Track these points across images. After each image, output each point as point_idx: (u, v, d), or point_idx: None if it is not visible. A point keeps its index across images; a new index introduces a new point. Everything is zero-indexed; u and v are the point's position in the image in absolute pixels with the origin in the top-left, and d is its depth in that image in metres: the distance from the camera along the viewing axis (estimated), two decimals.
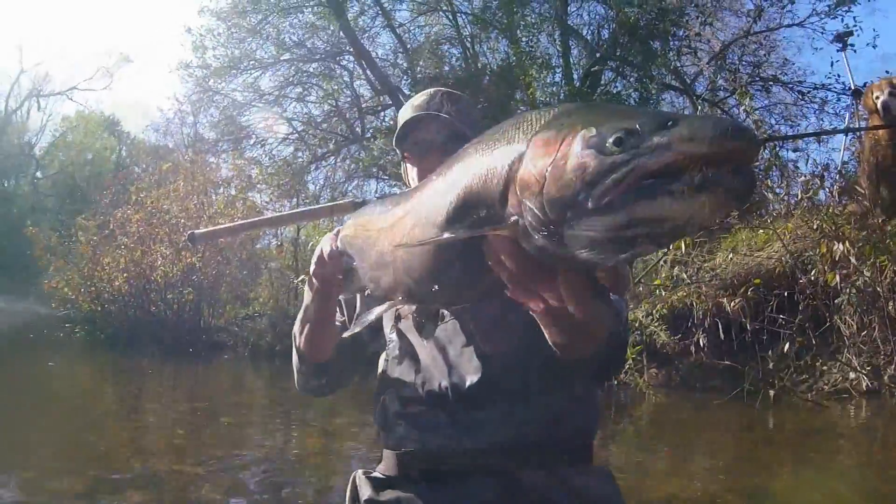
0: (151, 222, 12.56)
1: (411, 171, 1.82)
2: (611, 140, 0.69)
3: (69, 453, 3.41)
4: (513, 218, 0.79)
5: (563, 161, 0.73)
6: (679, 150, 0.66)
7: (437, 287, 1.01)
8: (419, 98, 1.83)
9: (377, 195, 1.81)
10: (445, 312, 1.68)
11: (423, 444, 1.66)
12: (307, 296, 1.69)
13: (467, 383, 1.62)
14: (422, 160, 1.75)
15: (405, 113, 1.81)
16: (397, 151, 1.85)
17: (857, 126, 7.61)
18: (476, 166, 0.88)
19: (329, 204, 1.88)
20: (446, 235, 0.86)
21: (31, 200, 34.28)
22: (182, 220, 12.33)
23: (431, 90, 1.85)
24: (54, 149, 36.93)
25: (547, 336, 1.12)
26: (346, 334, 1.58)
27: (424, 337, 1.66)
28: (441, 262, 0.92)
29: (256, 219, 2.16)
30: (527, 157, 0.78)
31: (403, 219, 1.11)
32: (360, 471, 1.77)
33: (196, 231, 1.89)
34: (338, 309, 1.82)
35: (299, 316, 1.75)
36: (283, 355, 10.37)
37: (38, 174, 36.12)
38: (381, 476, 1.72)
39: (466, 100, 1.91)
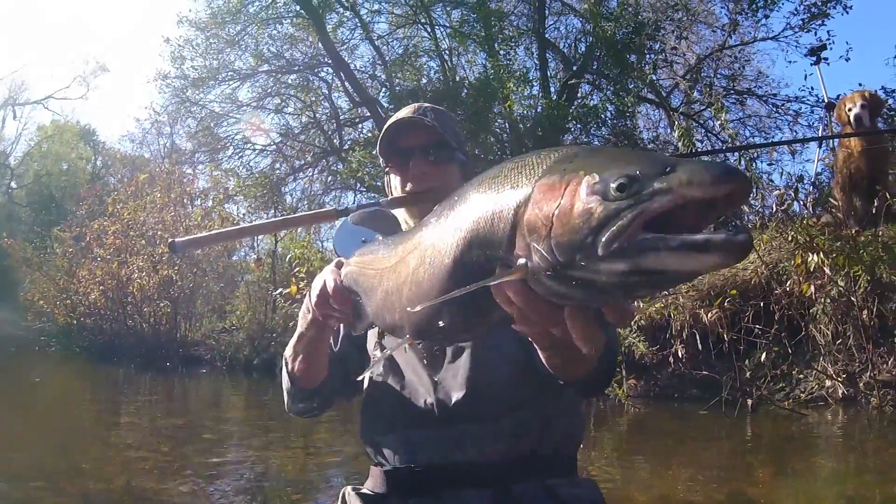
0: (128, 234, 12.46)
1: (394, 180, 1.83)
2: (614, 186, 0.72)
3: (45, 469, 3.36)
4: (521, 261, 0.81)
5: (569, 206, 0.75)
6: (679, 194, 0.69)
7: (443, 324, 1.02)
8: (404, 111, 1.85)
9: (356, 204, 1.79)
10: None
11: (410, 460, 1.66)
12: (302, 323, 1.68)
13: (453, 399, 1.63)
14: (404, 167, 1.78)
15: (389, 123, 1.83)
16: (378, 162, 1.88)
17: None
18: (481, 208, 0.90)
19: (312, 212, 1.93)
20: (461, 289, 0.87)
21: (6, 210, 33.80)
22: (159, 232, 12.25)
23: (416, 104, 1.88)
24: (29, 158, 36.46)
25: (542, 359, 1.16)
26: (360, 377, 1.73)
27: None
28: (449, 301, 0.93)
29: (239, 226, 2.16)
30: (532, 201, 0.80)
31: (407, 259, 1.12)
32: (349, 487, 1.77)
33: (177, 239, 1.89)
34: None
35: (292, 342, 1.74)
36: (260, 369, 10.32)
37: (13, 184, 35.67)
38: (370, 493, 1.72)
39: (449, 113, 1.95)
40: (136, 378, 9.70)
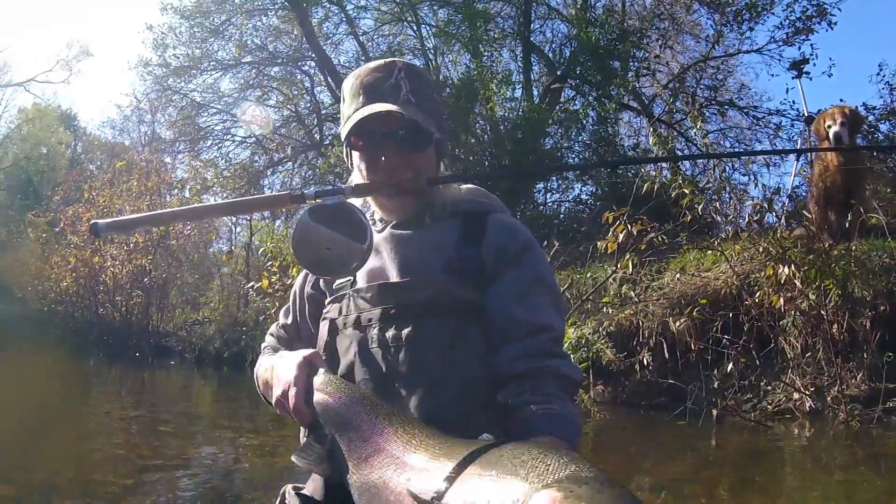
0: None
1: (358, 160, 1.69)
2: None
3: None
4: None
5: None
6: None
7: None
8: (373, 75, 1.70)
9: (314, 190, 1.62)
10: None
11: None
12: (265, 377, 1.74)
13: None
14: (374, 154, 1.64)
15: (354, 92, 1.70)
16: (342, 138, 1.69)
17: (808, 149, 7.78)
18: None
19: (263, 196, 1.72)
20: None
21: None
22: None
23: (387, 62, 1.73)
24: (9, 141, 35.98)
25: None
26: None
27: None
28: None
29: (173, 210, 1.96)
30: None
31: (381, 462, 1.31)
32: (290, 486, 1.71)
33: (100, 221, 1.68)
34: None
35: (261, 376, 1.78)
36: (230, 362, 10.22)
37: None
38: (309, 496, 1.65)
39: (426, 76, 1.81)
40: (106, 368, 9.58)
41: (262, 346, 1.97)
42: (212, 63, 15.08)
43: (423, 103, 1.67)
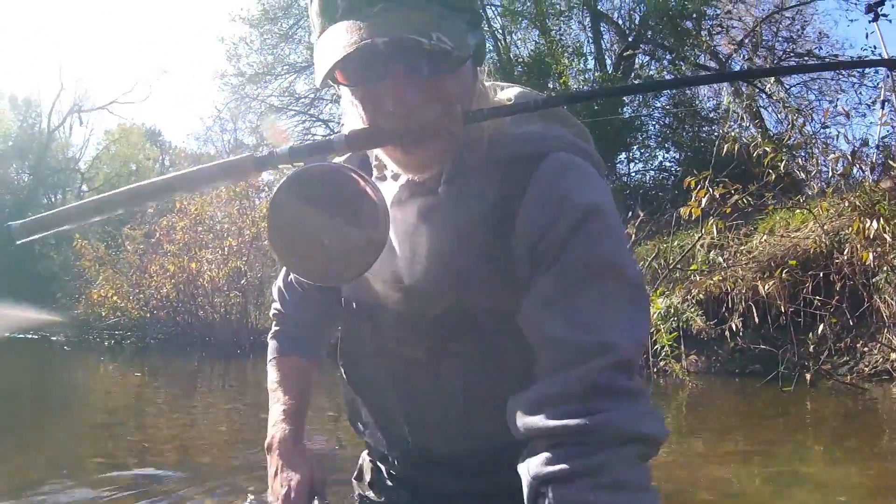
0: (196, 229, 12.85)
1: (348, 92, 1.08)
2: None
3: (116, 449, 3.52)
4: None
5: None
6: None
7: None
8: None
9: (292, 144, 1.33)
10: None
11: (387, 452, 1.50)
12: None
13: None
14: (376, 93, 1.03)
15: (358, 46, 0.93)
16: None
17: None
18: None
19: (217, 163, 1.12)
20: None
21: None
22: (226, 225, 12.61)
23: None
24: (98, 162, 37.76)
25: None
26: None
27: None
28: None
29: (104, 195, 1.16)
30: None
31: None
32: (365, 452, 1.67)
33: (14, 223, 1.15)
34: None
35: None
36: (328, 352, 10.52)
37: (84, 187, 36.92)
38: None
39: None
40: (208, 366, 10.03)
41: (272, 315, 1.72)
42: (285, 67, 15.48)
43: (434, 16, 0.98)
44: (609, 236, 1.05)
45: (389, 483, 1.56)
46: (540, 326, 1.05)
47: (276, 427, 1.53)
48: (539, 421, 0.99)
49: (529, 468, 0.99)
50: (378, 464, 1.59)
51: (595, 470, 0.92)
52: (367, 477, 1.62)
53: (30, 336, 13.84)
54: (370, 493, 1.61)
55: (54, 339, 13.32)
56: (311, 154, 1.06)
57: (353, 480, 1.71)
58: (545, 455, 0.97)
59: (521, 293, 1.09)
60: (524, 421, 1.03)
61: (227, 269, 12.41)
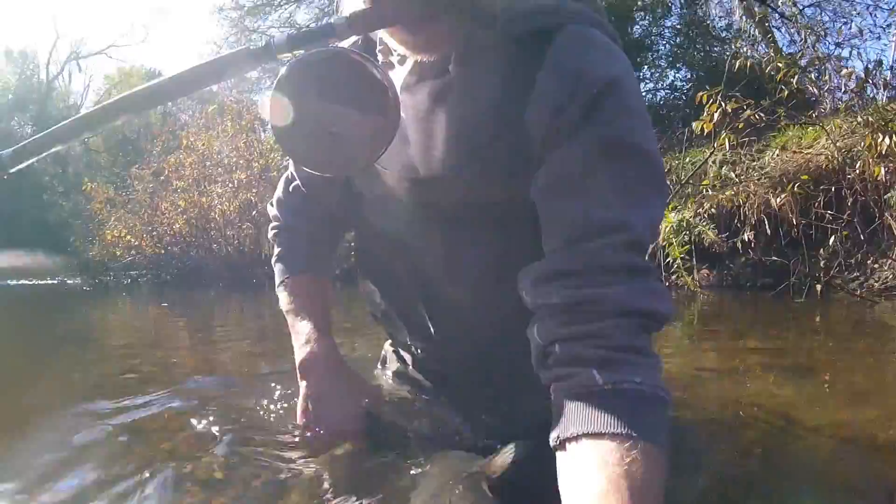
0: (205, 164, 12.87)
1: (394, 37, 1.05)
2: None
3: (144, 364, 3.59)
4: None
5: None
6: None
7: None
8: None
9: (290, 31, 1.26)
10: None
11: (409, 342, 1.51)
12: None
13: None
14: (419, 27, 1.01)
15: None
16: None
17: None
18: None
19: (213, 59, 1.01)
20: None
21: (85, 159, 35.08)
22: (234, 159, 12.62)
23: None
24: None
25: None
26: None
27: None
28: None
29: (93, 110, 1.06)
30: None
31: None
32: (388, 342, 1.69)
33: (3, 152, 1.07)
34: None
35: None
36: (343, 279, 10.66)
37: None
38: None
39: None
40: (224, 298, 10.15)
41: (271, 237, 1.65)
42: None
43: None
44: (629, 113, 1.01)
45: (414, 372, 1.58)
46: (553, 202, 1.02)
47: (307, 346, 1.45)
48: (548, 294, 0.99)
49: (538, 332, 0.99)
50: (402, 352, 1.62)
51: (599, 333, 0.92)
52: (393, 367, 1.66)
53: (48, 281, 13.98)
54: (394, 382, 1.63)
55: (70, 282, 13.45)
56: (311, 41, 0.98)
57: (378, 366, 1.75)
58: (553, 321, 0.97)
59: (533, 168, 1.05)
60: (534, 293, 1.02)
61: (238, 201, 12.46)
